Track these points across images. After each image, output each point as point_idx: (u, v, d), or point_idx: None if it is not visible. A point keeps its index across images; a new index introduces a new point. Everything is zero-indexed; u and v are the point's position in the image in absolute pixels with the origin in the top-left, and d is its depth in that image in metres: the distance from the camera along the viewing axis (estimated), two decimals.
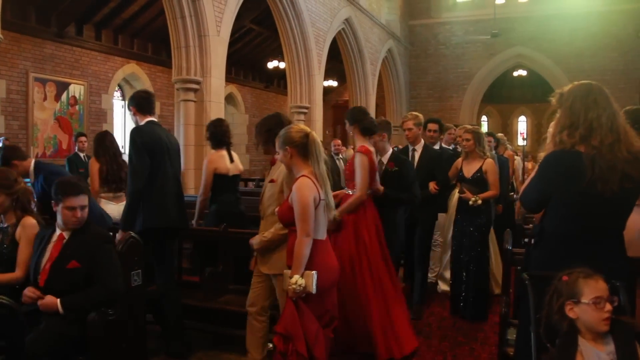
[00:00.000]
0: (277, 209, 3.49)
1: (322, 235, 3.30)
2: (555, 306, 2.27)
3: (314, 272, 3.11)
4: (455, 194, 6.16)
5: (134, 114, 4.41)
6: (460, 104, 19.20)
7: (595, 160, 2.55)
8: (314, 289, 3.10)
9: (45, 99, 11.14)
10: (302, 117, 12.73)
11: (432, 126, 6.32)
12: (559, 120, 2.78)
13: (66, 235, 3.42)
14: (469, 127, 6.23)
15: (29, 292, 3.24)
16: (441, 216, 6.44)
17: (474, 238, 5.52)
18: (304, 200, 3.15)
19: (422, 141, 5.81)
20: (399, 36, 18.82)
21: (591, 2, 17.82)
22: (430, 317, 5.50)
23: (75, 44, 11.60)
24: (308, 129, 3.37)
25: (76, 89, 11.71)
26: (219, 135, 5.38)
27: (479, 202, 5.41)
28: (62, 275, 3.28)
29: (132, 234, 3.62)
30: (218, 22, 9.39)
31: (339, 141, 9.95)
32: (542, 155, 2.91)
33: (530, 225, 5.44)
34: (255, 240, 3.69)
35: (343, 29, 14.76)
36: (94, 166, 5.65)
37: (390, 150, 5.12)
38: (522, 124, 23.97)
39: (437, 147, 6.30)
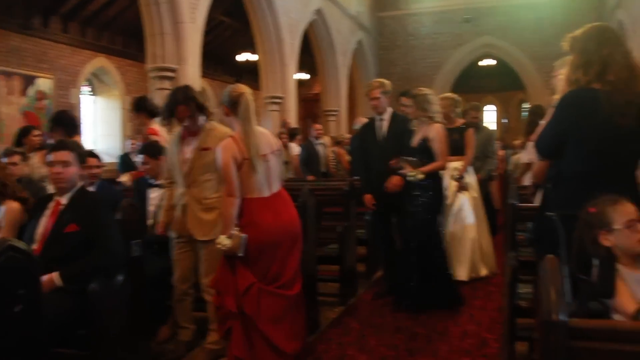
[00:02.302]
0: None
1: (257, 193, 3.37)
2: (588, 238, 2.25)
3: (243, 235, 3.24)
4: None
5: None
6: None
7: (612, 95, 2.58)
8: (241, 252, 3.24)
9: (11, 93, 10.81)
10: (276, 107, 12.65)
11: (407, 100, 5.72)
12: (573, 61, 2.79)
13: (64, 200, 3.28)
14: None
15: None
16: None
17: (419, 219, 4.81)
18: (222, 161, 3.33)
19: (390, 109, 5.24)
20: (368, 28, 18.86)
21: None
22: None
23: (42, 36, 11.27)
24: (244, 89, 3.47)
25: (44, 83, 11.40)
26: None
27: (420, 176, 4.67)
28: (60, 241, 3.13)
29: (131, 200, 3.49)
30: (193, 8, 9.24)
31: (320, 126, 9.88)
32: (556, 97, 2.91)
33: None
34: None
35: (314, 19, 14.71)
36: None
37: None
38: (490, 113, 24.27)
39: None
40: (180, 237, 3.86)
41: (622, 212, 2.22)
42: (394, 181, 4.94)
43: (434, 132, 4.82)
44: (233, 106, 3.41)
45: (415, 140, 4.92)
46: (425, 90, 5.06)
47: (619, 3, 15.22)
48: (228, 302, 3.29)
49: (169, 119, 3.85)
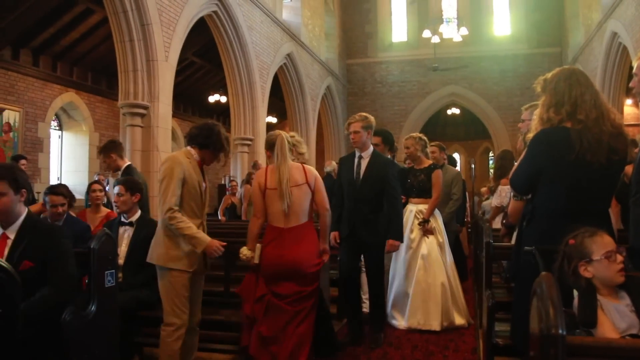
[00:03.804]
0: None
1: (275, 221, 3.85)
2: (568, 270, 2.29)
3: (259, 245, 3.83)
4: (408, 209, 5.81)
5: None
6: (397, 141, 19.57)
7: (583, 133, 2.68)
8: (256, 259, 3.81)
9: None
10: (245, 148, 12.67)
11: (375, 139, 5.68)
12: (544, 101, 2.91)
13: (11, 234, 3.05)
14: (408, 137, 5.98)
15: None
16: None
17: None
18: (252, 187, 3.95)
19: (371, 147, 5.09)
20: (337, 74, 19.21)
21: (518, 45, 18.99)
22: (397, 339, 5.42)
23: (11, 68, 11.16)
24: (281, 132, 3.99)
25: (11, 115, 11.21)
26: None
27: None
28: None
29: (106, 230, 3.41)
30: (166, 47, 9.29)
31: None
32: (530, 136, 2.99)
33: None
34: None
35: (285, 63, 14.93)
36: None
37: None
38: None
39: None
40: (196, 272, 3.72)
41: (600, 243, 2.26)
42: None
43: None
44: (271, 148, 3.91)
45: None
46: (291, 134, 4.87)
47: (576, 58, 15.91)
48: (247, 308, 3.79)
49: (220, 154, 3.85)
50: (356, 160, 5.07)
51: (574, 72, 2.91)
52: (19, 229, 3.05)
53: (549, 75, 2.98)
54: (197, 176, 3.69)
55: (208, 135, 3.74)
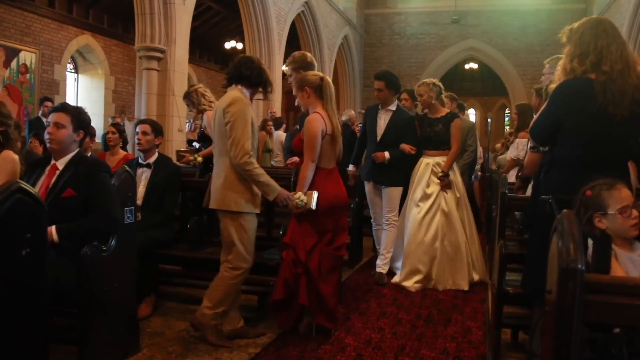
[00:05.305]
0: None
1: (328, 164, 3.84)
2: (583, 219, 2.30)
3: (315, 192, 3.66)
4: (423, 162, 5.52)
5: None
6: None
7: (607, 85, 2.64)
8: (313, 206, 3.62)
9: None
10: (260, 96, 12.55)
11: (378, 84, 5.45)
12: (569, 51, 2.85)
13: (60, 165, 3.26)
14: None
15: None
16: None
17: None
18: (312, 131, 3.70)
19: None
20: (355, 24, 18.91)
21: (540, 0, 18.50)
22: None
23: (26, 8, 11.08)
24: (322, 74, 3.90)
25: (27, 57, 11.20)
26: None
27: (199, 159, 5.26)
28: (57, 205, 3.10)
29: (127, 168, 3.46)
30: None
31: None
32: (552, 87, 2.96)
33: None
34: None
35: (302, 11, 14.74)
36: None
37: None
38: (471, 117, 24.52)
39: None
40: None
41: (617, 197, 2.27)
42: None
43: (206, 120, 5.32)
44: (316, 88, 3.77)
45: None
46: (197, 86, 5.76)
47: (601, 15, 15.51)
48: (300, 254, 3.68)
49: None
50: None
51: (601, 22, 2.85)
52: (68, 162, 3.28)
53: (575, 24, 2.92)
54: (254, 117, 3.69)
55: (259, 74, 3.74)
